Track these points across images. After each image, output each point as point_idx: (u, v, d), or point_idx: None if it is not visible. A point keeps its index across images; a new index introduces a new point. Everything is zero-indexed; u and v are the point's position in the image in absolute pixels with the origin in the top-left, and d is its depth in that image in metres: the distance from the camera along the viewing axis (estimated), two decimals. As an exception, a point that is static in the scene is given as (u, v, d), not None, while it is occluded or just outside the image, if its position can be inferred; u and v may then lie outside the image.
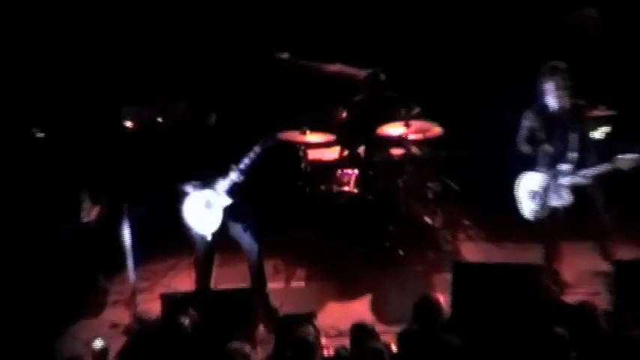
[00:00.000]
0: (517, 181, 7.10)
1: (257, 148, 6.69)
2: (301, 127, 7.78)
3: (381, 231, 7.77)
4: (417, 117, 7.83)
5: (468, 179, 8.40)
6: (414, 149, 8.01)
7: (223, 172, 6.81)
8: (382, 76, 8.09)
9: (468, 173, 8.41)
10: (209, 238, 6.88)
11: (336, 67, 8.30)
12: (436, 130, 7.89)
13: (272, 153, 6.87)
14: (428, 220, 8.06)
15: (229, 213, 6.93)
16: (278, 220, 8.14)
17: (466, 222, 8.29)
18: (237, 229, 7.05)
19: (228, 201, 6.82)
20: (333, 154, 8.22)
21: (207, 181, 6.85)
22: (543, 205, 6.98)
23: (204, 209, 6.85)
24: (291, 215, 8.12)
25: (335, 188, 7.91)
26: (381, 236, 7.78)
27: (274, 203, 8.27)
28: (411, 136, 7.78)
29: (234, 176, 6.76)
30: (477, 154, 8.38)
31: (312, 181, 8.02)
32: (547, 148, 6.94)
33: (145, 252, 7.45)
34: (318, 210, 7.86)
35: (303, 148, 7.99)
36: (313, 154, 8.15)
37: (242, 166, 6.71)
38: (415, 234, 7.86)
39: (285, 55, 8.41)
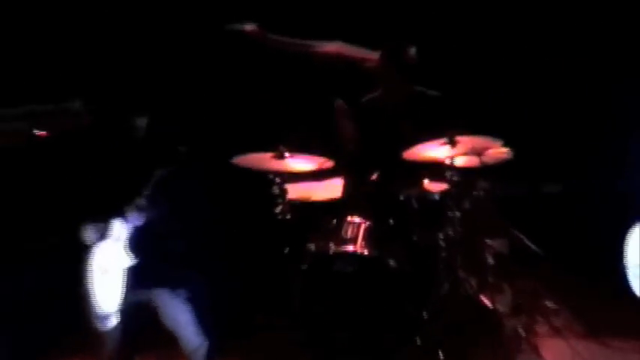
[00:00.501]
0: (630, 235, 5.85)
1: (160, 174, 5.50)
2: (276, 147, 6.03)
3: (409, 320, 5.97)
4: (467, 130, 6.05)
5: (554, 233, 6.97)
6: (464, 182, 6.32)
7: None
8: (412, 52, 6.27)
9: (556, 223, 7.15)
10: (113, 322, 5.50)
11: (334, 48, 6.67)
12: (501, 151, 6.29)
13: (224, 188, 6.19)
14: (486, 301, 6.28)
15: (151, 281, 5.63)
16: (239, 302, 6.62)
17: (550, 304, 6.52)
18: (168, 314, 5.60)
19: (129, 260, 5.48)
20: (329, 190, 6.52)
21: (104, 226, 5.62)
22: None
23: (103, 272, 5.57)
24: (261, 293, 6.55)
25: (332, 248, 6.02)
26: (408, 329, 5.95)
27: (232, 272, 6.79)
28: (459, 162, 6.15)
29: (132, 218, 5.55)
30: (571, 191, 7.27)
31: (293, 237, 6.28)
32: None
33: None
34: (303, 285, 5.94)
35: (279, 181, 6.07)
36: (296, 191, 6.39)
37: (142, 200, 5.54)
38: (466, 325, 6.13)
39: (250, 27, 6.55)
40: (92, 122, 5.87)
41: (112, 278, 5.69)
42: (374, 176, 6.63)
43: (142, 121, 5.89)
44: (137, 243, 5.71)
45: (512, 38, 7.75)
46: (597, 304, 6.75)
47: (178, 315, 5.75)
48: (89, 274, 5.72)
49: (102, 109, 5.88)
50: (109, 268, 5.68)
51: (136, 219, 5.61)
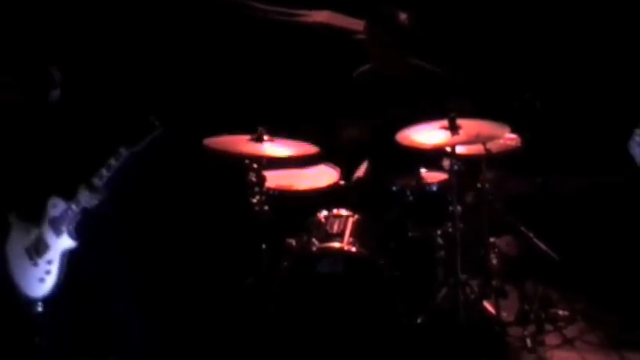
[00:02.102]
0: None
1: (123, 153, 5.23)
2: (254, 128, 5.79)
3: (402, 328, 5.73)
4: (470, 113, 5.91)
5: (568, 232, 6.79)
6: (467, 173, 6.10)
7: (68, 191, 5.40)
8: (403, 17, 6.08)
9: (570, 221, 6.91)
10: (38, 309, 5.42)
11: (322, 17, 6.69)
12: (509, 139, 5.97)
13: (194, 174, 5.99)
14: (490, 307, 6.12)
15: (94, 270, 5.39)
16: (206, 303, 6.41)
17: (561, 312, 6.37)
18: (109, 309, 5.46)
19: (69, 243, 5.31)
20: (312, 179, 6.27)
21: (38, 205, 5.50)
22: None
23: (27, 258, 5.42)
24: (234, 294, 6.24)
25: (316, 244, 5.80)
26: (401, 338, 5.73)
27: (200, 270, 6.62)
28: (461, 149, 5.88)
29: (83, 199, 5.28)
30: (590, 186, 7.04)
31: (271, 231, 6.02)
32: None
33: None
34: (281, 286, 5.68)
35: (256, 167, 5.76)
36: (276, 180, 6.11)
37: (98, 180, 5.23)
38: (466, 334, 5.85)
39: None
40: (24, 96, 5.65)
41: (44, 262, 5.55)
42: (364, 164, 6.62)
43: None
44: (83, 226, 5.53)
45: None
46: (614, 312, 6.60)
47: (120, 312, 5.61)
48: (13, 256, 5.64)
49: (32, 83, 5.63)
50: (41, 250, 5.51)
51: (87, 200, 5.34)
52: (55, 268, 5.53)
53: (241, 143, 5.97)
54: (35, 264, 5.56)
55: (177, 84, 7.21)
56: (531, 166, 6.75)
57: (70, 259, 5.55)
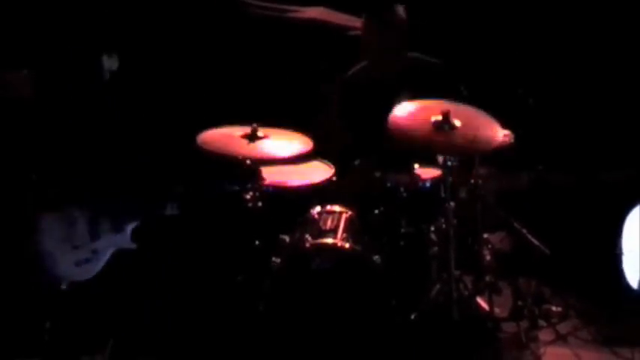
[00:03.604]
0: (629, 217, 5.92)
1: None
2: (249, 123, 5.83)
3: (396, 324, 5.78)
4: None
5: (563, 228, 6.83)
6: (460, 169, 6.15)
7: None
8: (400, 11, 6.15)
9: (565, 216, 6.95)
10: (62, 287, 5.66)
11: (316, 14, 6.71)
12: (502, 135, 5.87)
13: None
14: (483, 303, 6.19)
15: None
16: (201, 302, 6.33)
17: (555, 308, 6.40)
18: None
19: (126, 243, 5.64)
20: (306, 175, 6.30)
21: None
22: None
23: (66, 238, 5.62)
24: (227, 291, 6.22)
25: (309, 240, 5.82)
26: (395, 334, 5.79)
27: (190, 267, 6.48)
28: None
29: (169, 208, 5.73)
30: (582, 182, 7.09)
31: (265, 228, 6.11)
32: None
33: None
34: (274, 283, 5.76)
35: (249, 162, 5.87)
36: (269, 176, 6.12)
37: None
38: (460, 330, 5.92)
39: None
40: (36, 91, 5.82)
41: (88, 249, 5.71)
42: (357, 160, 6.56)
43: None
44: (144, 230, 5.80)
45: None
46: (608, 308, 6.63)
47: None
48: (48, 232, 5.74)
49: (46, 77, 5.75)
50: (89, 237, 5.73)
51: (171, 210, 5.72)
52: (98, 259, 5.74)
53: (235, 141, 5.88)
54: (75, 247, 5.72)
55: (169, 79, 7.24)
56: (524, 161, 6.68)
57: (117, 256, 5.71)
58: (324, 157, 6.53)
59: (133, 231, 5.73)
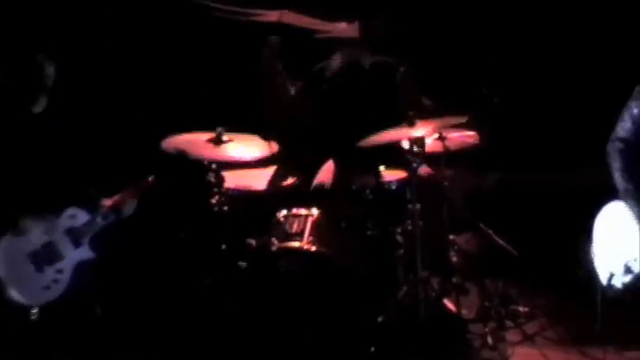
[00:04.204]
0: (598, 218, 5.58)
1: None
2: (214, 127, 5.98)
3: (362, 326, 5.92)
4: (431, 111, 6.22)
5: (529, 229, 6.94)
6: (426, 171, 6.31)
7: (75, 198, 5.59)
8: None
9: (531, 217, 7.09)
10: (33, 316, 5.49)
11: (279, 17, 6.50)
12: (468, 136, 6.20)
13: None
14: (450, 305, 6.27)
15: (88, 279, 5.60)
16: (167, 305, 6.38)
17: (522, 309, 6.48)
18: None
19: (86, 254, 5.50)
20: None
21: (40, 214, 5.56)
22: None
23: (29, 264, 5.45)
24: (194, 295, 6.32)
25: (276, 244, 5.93)
26: (360, 334, 5.90)
27: (157, 270, 6.67)
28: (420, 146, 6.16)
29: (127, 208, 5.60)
30: (549, 182, 7.12)
31: (231, 231, 6.20)
32: None
33: None
34: (242, 286, 5.94)
35: (214, 168, 5.93)
36: (235, 179, 6.27)
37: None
38: (428, 331, 6.04)
39: None
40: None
41: (53, 271, 5.53)
42: (326, 167, 6.50)
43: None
44: (104, 237, 5.67)
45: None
46: (574, 308, 6.62)
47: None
48: (9, 259, 5.58)
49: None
50: (52, 259, 5.50)
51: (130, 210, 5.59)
52: (65, 278, 5.65)
53: (200, 145, 5.96)
54: (41, 271, 5.62)
55: (133, 83, 7.18)
56: (490, 162, 6.75)
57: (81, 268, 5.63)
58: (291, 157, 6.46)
59: (90, 241, 5.67)
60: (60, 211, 5.67)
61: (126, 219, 5.77)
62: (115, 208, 5.67)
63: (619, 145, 5.54)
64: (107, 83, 7.10)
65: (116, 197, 5.74)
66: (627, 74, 6.19)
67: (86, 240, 5.66)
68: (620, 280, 5.89)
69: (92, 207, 5.73)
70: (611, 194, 5.90)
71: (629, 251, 5.70)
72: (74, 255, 5.60)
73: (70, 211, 5.62)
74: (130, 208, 5.69)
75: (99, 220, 5.64)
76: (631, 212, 5.60)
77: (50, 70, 5.79)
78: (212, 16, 6.87)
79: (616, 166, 5.57)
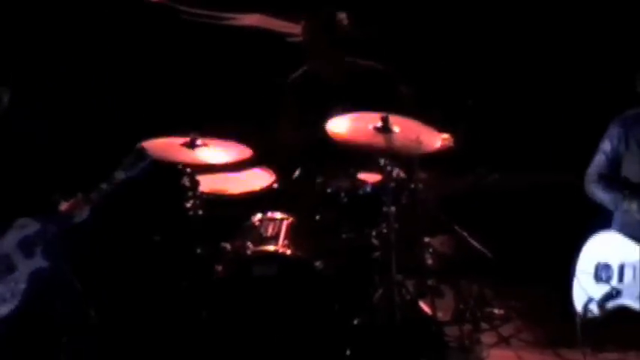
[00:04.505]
0: (588, 242, 5.55)
1: (120, 174, 5.34)
2: (187, 132, 5.89)
3: (338, 329, 5.88)
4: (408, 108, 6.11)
5: (503, 231, 6.94)
6: (399, 173, 6.19)
7: (34, 207, 5.40)
8: (343, 18, 6.14)
9: (505, 220, 7.09)
10: None
11: (254, 21, 6.68)
12: (443, 138, 6.07)
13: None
14: (426, 307, 6.26)
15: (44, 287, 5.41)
16: (142, 310, 6.35)
17: (497, 311, 6.50)
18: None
19: (39, 263, 5.30)
20: (247, 183, 6.34)
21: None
22: (610, 296, 5.45)
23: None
24: (168, 300, 6.29)
25: (251, 248, 5.94)
26: (337, 337, 5.85)
27: (132, 275, 6.65)
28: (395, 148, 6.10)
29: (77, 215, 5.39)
30: (525, 184, 7.07)
31: (206, 235, 6.17)
32: None
33: None
34: (217, 290, 5.87)
35: (189, 172, 5.90)
36: (210, 184, 6.20)
37: (96, 195, 5.31)
38: (403, 334, 5.98)
39: None
40: None
41: (9, 282, 5.41)
42: (298, 170, 6.53)
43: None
44: (57, 245, 5.52)
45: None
46: (549, 311, 6.64)
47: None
48: None
49: None
50: (5, 271, 5.43)
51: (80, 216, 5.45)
52: (18, 288, 5.47)
53: (174, 150, 5.89)
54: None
55: (107, 88, 7.11)
56: (465, 164, 6.68)
57: (37, 277, 5.50)
58: (268, 162, 6.41)
59: (43, 249, 5.51)
60: (14, 219, 5.50)
61: (78, 225, 5.54)
62: (67, 215, 5.51)
63: (595, 178, 5.59)
64: (81, 86, 6.97)
65: (68, 203, 5.55)
66: (601, 82, 6.29)
67: (39, 249, 5.49)
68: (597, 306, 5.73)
69: (47, 214, 5.54)
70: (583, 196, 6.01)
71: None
72: (27, 265, 5.45)
73: (21, 221, 5.48)
74: (82, 214, 5.50)
75: (50, 227, 5.47)
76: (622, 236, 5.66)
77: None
78: (186, 21, 6.91)
79: (599, 194, 5.58)
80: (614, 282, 5.58)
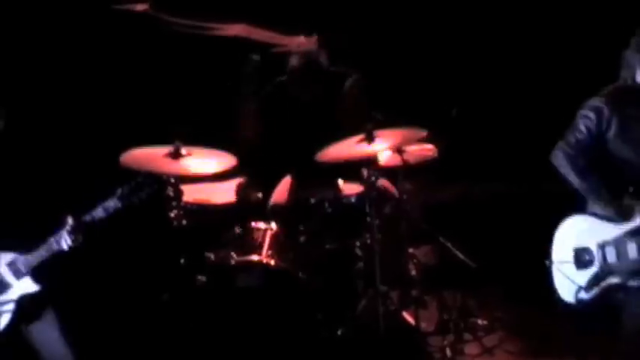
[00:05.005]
0: (559, 229, 5.29)
1: (115, 202, 5.05)
2: (172, 140, 5.73)
3: (322, 340, 5.88)
4: (387, 122, 6.01)
5: (487, 241, 6.84)
6: (385, 183, 6.29)
7: (31, 230, 5.13)
8: (323, 57, 6.14)
9: (489, 229, 7.01)
10: None
11: (239, 31, 6.63)
12: (426, 149, 6.16)
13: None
14: (409, 318, 6.21)
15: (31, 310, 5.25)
16: (125, 320, 6.29)
17: (481, 321, 6.44)
18: (45, 344, 5.23)
19: (32, 287, 5.11)
20: (230, 192, 6.28)
21: None
22: (598, 279, 5.14)
23: None
24: (150, 311, 6.17)
25: (234, 258, 5.93)
26: (319, 348, 5.88)
27: (115, 285, 6.57)
28: (379, 159, 6.09)
29: (64, 240, 5.02)
30: (506, 193, 7.08)
31: (189, 245, 6.01)
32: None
33: None
34: (201, 301, 5.84)
35: (173, 181, 5.77)
36: (193, 193, 6.14)
37: (88, 218, 5.03)
38: (387, 344, 6.02)
39: (142, 6, 6.54)
40: None
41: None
42: (284, 181, 6.42)
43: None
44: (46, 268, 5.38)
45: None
46: (533, 321, 6.59)
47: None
48: None
49: None
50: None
51: (66, 241, 5.19)
52: (8, 310, 5.38)
53: (158, 160, 5.75)
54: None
55: (89, 98, 7.00)
56: (448, 175, 6.71)
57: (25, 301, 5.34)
58: (249, 173, 6.31)
59: (32, 272, 5.34)
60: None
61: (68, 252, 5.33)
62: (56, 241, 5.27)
63: (569, 151, 5.43)
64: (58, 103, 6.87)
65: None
66: (584, 90, 6.30)
67: (27, 272, 5.30)
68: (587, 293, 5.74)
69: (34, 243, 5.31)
70: (569, 204, 5.94)
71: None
72: (17, 287, 5.32)
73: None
74: (67, 242, 5.24)
75: (39, 253, 5.27)
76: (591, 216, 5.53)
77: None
78: (169, 31, 6.85)
79: (568, 170, 5.39)
80: (598, 264, 5.30)
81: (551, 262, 5.39)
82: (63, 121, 6.78)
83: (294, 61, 6.42)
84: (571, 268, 5.44)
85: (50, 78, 6.99)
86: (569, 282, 5.30)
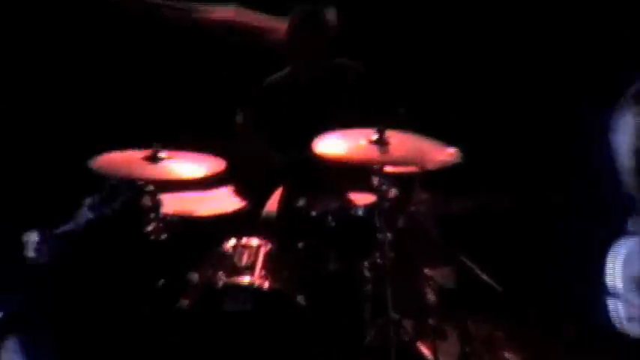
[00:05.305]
0: (612, 254, 4.97)
1: (88, 212, 4.97)
2: (150, 144, 5.43)
3: None
4: (401, 124, 5.62)
5: (516, 261, 6.59)
6: (395, 193, 5.69)
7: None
8: (331, 15, 5.83)
9: (519, 248, 6.72)
10: None
11: (229, 14, 6.39)
12: (447, 154, 5.61)
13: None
14: (426, 350, 5.84)
15: None
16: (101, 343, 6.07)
17: (508, 355, 6.10)
18: None
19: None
20: (218, 202, 5.92)
21: None
22: None
23: None
24: (126, 339, 5.86)
25: (223, 279, 5.53)
26: None
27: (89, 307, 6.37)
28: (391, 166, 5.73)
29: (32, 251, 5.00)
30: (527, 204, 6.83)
31: (170, 264, 5.69)
32: None
33: None
34: (183, 327, 5.41)
35: (150, 190, 5.43)
36: (175, 203, 5.73)
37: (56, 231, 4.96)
38: None
39: None
40: None
41: None
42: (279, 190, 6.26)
43: None
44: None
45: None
46: (566, 353, 6.39)
47: None
48: None
49: None
50: None
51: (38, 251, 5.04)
52: None
53: (134, 164, 5.53)
54: None
55: (60, 97, 6.85)
56: (468, 185, 6.48)
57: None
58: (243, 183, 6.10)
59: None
60: None
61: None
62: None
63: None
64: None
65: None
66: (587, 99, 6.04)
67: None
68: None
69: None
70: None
71: None
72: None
73: None
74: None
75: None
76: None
77: None
78: (152, 26, 6.63)
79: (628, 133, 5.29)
80: None
81: (614, 293, 5.24)
82: (36, 124, 6.55)
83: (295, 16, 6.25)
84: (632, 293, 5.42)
85: (31, 78, 6.70)
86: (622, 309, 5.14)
